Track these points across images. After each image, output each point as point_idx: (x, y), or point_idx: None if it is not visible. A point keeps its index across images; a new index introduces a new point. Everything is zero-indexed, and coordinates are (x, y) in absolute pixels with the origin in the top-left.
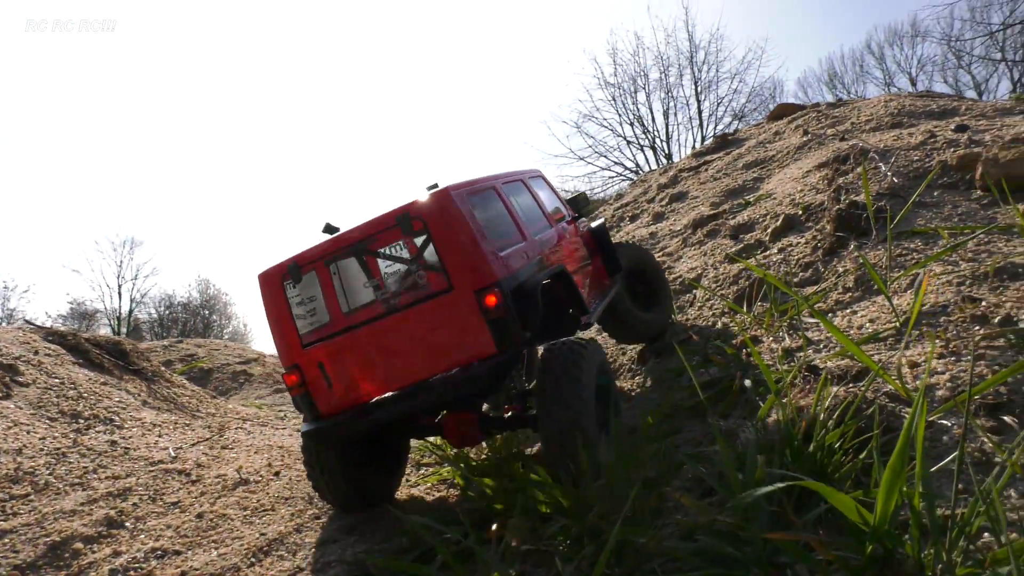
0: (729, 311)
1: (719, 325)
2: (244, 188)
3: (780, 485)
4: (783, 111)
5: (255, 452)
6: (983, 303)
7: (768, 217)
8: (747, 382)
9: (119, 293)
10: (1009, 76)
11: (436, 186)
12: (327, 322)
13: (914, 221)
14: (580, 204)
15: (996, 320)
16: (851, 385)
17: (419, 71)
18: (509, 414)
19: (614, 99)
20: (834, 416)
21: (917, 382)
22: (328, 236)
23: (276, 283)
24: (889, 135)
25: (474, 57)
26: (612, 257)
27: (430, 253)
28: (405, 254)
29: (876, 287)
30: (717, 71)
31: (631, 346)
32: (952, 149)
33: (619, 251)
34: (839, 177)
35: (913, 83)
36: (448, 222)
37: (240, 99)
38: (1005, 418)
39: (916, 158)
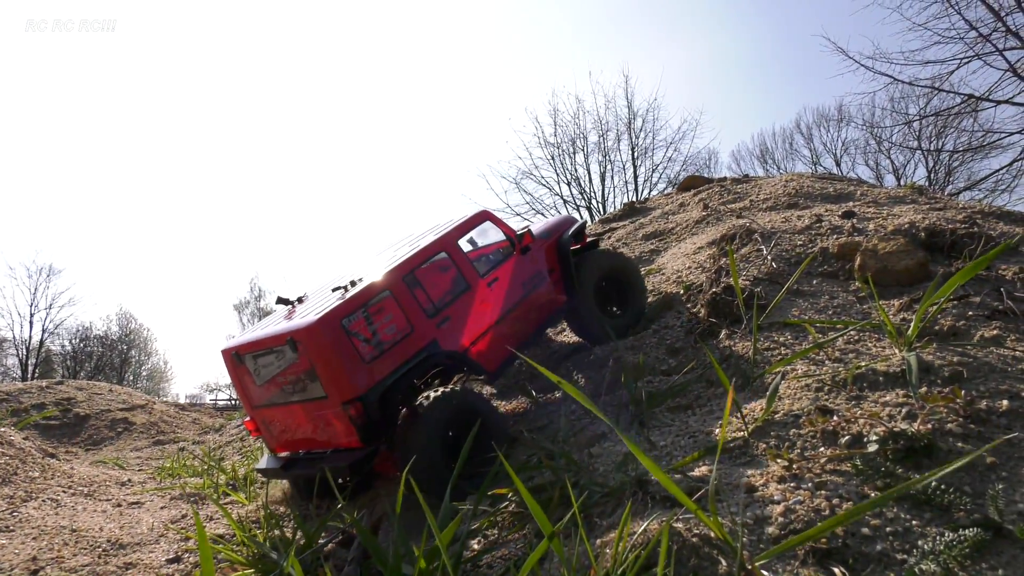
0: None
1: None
2: (186, 223)
3: None
4: (692, 183)
5: (35, 537)
6: (835, 416)
7: (652, 293)
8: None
9: (30, 322)
10: (924, 164)
11: (354, 282)
12: (260, 395)
13: (789, 310)
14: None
15: (845, 439)
16: (679, 512)
17: (360, 116)
18: None
19: (553, 158)
20: (636, 563)
21: (749, 514)
22: (280, 306)
23: (230, 358)
24: (781, 216)
25: (417, 107)
26: (569, 277)
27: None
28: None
29: (740, 383)
30: (653, 138)
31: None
32: (836, 236)
33: (594, 259)
34: (724, 257)
35: (838, 164)
36: (319, 349)
37: (204, 126)
38: (835, 570)
39: (800, 242)
